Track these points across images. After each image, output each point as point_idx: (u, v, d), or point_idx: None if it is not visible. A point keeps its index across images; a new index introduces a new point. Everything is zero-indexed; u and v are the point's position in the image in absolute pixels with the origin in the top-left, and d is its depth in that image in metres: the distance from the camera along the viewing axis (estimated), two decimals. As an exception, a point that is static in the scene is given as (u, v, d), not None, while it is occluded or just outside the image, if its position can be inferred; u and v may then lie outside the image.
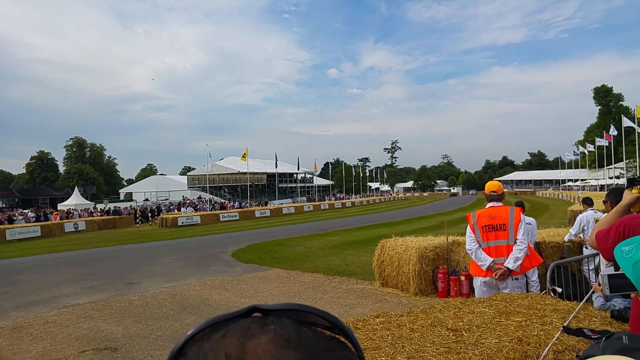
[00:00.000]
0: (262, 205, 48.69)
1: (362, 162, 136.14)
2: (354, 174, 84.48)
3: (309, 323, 0.41)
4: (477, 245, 4.41)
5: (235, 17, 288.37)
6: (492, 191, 4.56)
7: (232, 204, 48.92)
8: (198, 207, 43.15)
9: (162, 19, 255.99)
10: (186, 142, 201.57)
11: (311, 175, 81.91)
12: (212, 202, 48.62)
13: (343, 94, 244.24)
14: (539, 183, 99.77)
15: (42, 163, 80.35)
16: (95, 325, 6.98)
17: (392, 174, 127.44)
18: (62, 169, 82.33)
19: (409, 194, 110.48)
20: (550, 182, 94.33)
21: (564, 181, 78.06)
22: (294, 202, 57.21)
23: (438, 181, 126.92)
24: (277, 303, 0.42)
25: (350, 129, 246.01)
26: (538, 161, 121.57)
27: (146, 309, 7.87)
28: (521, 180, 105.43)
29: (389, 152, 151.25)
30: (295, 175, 75.94)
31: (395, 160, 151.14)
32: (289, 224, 29.28)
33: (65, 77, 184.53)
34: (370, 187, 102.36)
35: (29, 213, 34.68)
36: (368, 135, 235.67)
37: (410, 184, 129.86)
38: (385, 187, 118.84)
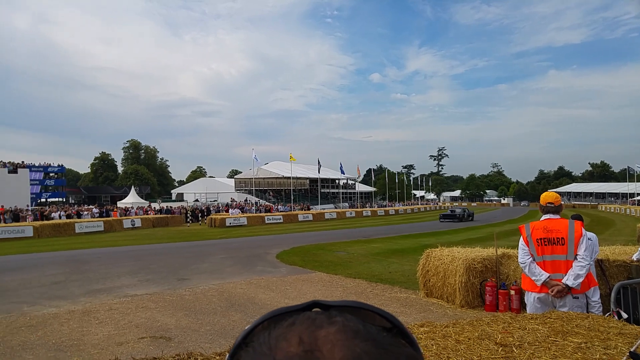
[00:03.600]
0: (305, 210, 49.18)
1: (406, 169, 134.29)
2: (397, 181, 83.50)
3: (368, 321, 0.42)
4: (531, 258, 4.18)
5: (278, 23, 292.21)
6: (549, 202, 4.28)
7: (276, 207, 49.76)
8: (244, 209, 44.23)
9: (209, 26, 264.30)
10: (233, 146, 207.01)
11: (354, 182, 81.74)
12: (258, 205, 49.67)
13: (386, 99, 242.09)
14: (601, 196, 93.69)
15: (103, 163, 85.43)
16: (151, 316, 7.43)
17: (438, 182, 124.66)
18: (120, 169, 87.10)
19: (456, 204, 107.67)
20: (615, 195, 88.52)
21: (632, 195, 72.59)
22: (336, 208, 57.31)
23: (487, 191, 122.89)
24: (336, 300, 0.44)
25: (394, 134, 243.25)
26: (601, 172, 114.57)
27: (196, 304, 8.26)
28: (580, 193, 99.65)
29: (435, 159, 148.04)
30: (337, 181, 76.08)
31: (442, 168, 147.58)
32: (331, 229, 29.43)
33: (121, 83, 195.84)
34: (414, 195, 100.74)
35: (94, 209, 36.94)
36: (413, 142, 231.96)
37: (457, 193, 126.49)
38: (431, 196, 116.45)
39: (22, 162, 50.41)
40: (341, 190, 72.82)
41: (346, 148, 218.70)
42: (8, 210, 30.19)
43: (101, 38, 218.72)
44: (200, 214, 39.64)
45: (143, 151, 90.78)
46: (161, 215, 37.41)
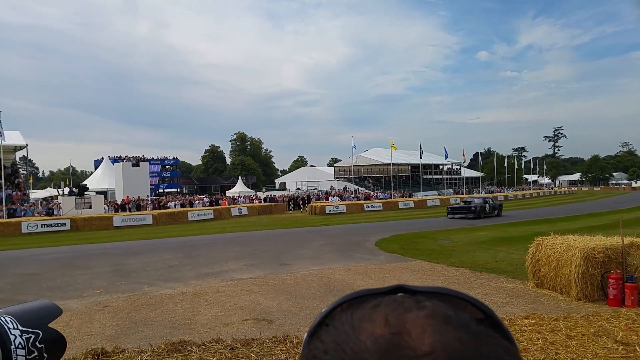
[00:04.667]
0: (406, 197, 48.27)
1: (517, 152, 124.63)
2: (507, 165, 77.85)
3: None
4: None
5: (377, 6, 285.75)
6: None
7: (375, 194, 49.58)
8: (344, 196, 44.78)
9: (309, 15, 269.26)
10: (332, 134, 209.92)
11: (459, 167, 78.09)
12: (357, 193, 49.94)
13: (495, 78, 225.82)
14: None
15: (213, 155, 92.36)
16: (255, 299, 7.84)
17: (554, 165, 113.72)
18: (228, 160, 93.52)
19: (575, 188, 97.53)
20: None
21: None
22: (439, 194, 55.37)
23: (614, 173, 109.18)
24: (424, 285, 0.40)
25: (504, 115, 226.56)
26: None
27: (297, 288, 8.54)
28: None
29: (550, 140, 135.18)
30: (441, 166, 73.31)
31: (559, 150, 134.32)
32: (433, 217, 28.49)
33: (227, 78, 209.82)
34: (526, 179, 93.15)
35: (204, 198, 40.27)
36: (525, 122, 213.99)
37: (576, 176, 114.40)
38: (545, 180, 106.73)
39: (143, 156, 56.99)
40: (445, 176, 70.05)
41: (451, 131, 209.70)
42: (132, 200, 34.15)
43: (209, 36, 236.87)
44: (301, 202, 41.08)
45: (249, 143, 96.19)
46: (266, 204, 39.53)
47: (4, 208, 26.44)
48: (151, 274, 10.63)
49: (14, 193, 32.77)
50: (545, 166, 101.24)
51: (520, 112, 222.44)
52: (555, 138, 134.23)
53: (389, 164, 55.83)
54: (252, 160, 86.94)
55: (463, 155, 64.87)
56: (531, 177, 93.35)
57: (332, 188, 55.14)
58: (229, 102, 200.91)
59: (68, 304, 7.75)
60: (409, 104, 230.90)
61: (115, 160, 52.41)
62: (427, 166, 71.39)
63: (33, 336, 0.60)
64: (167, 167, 66.91)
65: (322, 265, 11.12)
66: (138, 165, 43.55)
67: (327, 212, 33.59)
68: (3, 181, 29.15)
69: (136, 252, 14.89)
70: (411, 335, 0.33)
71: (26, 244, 18.65)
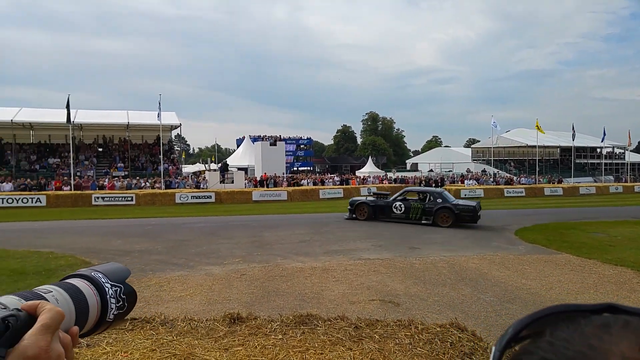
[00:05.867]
0: (553, 183, 43.39)
1: None
2: (690, 148, 64.54)
3: None
4: None
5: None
6: None
7: (518, 179, 45.53)
8: (481, 180, 42.11)
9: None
10: (470, 113, 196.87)
11: (622, 151, 67.26)
12: (497, 176, 46.50)
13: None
14: None
15: (344, 135, 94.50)
16: (382, 280, 7.79)
17: None
18: (359, 140, 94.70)
19: None
20: None
21: None
22: (595, 182, 48.57)
23: None
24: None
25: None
26: None
27: (425, 274, 8.26)
28: None
29: None
30: (599, 149, 63.94)
31: None
32: (586, 206, 25.08)
33: (359, 58, 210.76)
34: None
35: (335, 177, 41.53)
36: None
37: None
38: None
39: (280, 136, 61.48)
40: (604, 161, 61.07)
41: (613, 110, 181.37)
42: (269, 176, 36.78)
43: (343, 17, 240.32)
44: (434, 184, 39.69)
45: (380, 122, 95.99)
46: (396, 185, 39.08)
47: (162, 180, 30.80)
48: (284, 247, 11.22)
49: (170, 167, 37.80)
50: None
51: None
52: None
53: (534, 146, 50.51)
54: (382, 141, 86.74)
55: (629, 137, 55.40)
56: None
57: (468, 170, 52.15)
58: (361, 82, 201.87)
59: (211, 270, 8.61)
60: (560, 80, 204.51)
61: (255, 139, 56.89)
62: (580, 149, 62.99)
63: (118, 289, 0.74)
64: (302, 146, 70.74)
65: (454, 252, 10.59)
66: (275, 145, 46.76)
67: (462, 196, 31.87)
68: (162, 156, 34.04)
69: (272, 225, 15.89)
70: None
71: (179, 212, 21.42)
